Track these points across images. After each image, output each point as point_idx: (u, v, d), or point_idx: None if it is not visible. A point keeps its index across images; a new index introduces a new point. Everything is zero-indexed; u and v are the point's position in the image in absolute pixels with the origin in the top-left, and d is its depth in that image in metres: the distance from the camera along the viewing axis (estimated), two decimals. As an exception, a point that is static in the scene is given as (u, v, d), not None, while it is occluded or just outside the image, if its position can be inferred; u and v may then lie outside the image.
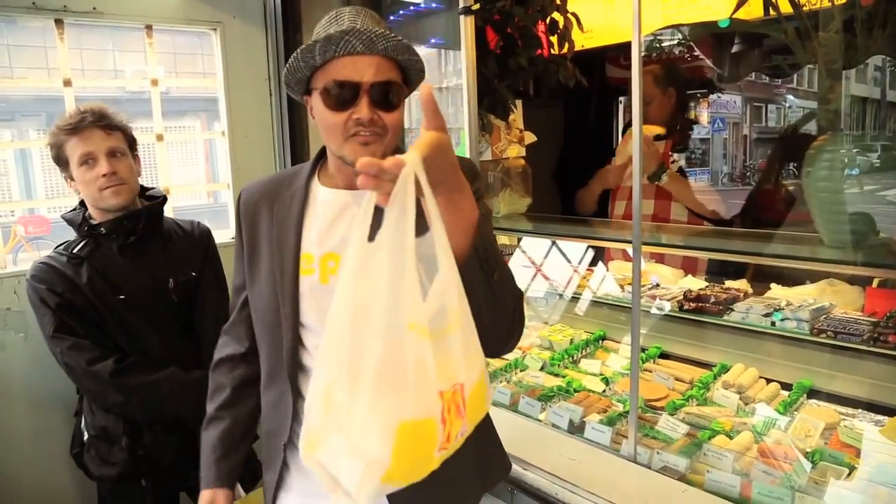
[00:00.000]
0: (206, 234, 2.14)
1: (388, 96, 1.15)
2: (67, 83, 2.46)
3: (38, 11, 2.37)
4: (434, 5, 3.08)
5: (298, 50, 1.13)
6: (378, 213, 0.79)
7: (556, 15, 2.58)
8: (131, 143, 1.95)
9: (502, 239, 2.72)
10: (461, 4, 2.01)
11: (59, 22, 2.43)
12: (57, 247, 1.95)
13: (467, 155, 2.08)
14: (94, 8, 2.48)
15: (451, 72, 3.24)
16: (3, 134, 11.54)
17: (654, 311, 2.13)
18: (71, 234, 1.97)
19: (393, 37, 1.13)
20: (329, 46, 1.11)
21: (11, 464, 2.44)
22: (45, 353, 1.92)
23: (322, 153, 1.32)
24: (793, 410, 1.87)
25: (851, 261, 1.70)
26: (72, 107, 2.30)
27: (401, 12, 3.04)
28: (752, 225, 2.60)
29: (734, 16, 2.30)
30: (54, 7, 2.40)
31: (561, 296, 2.53)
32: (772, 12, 1.92)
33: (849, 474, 1.52)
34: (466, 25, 1.99)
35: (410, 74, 1.21)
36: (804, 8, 1.81)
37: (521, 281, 2.60)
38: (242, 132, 2.77)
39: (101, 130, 1.83)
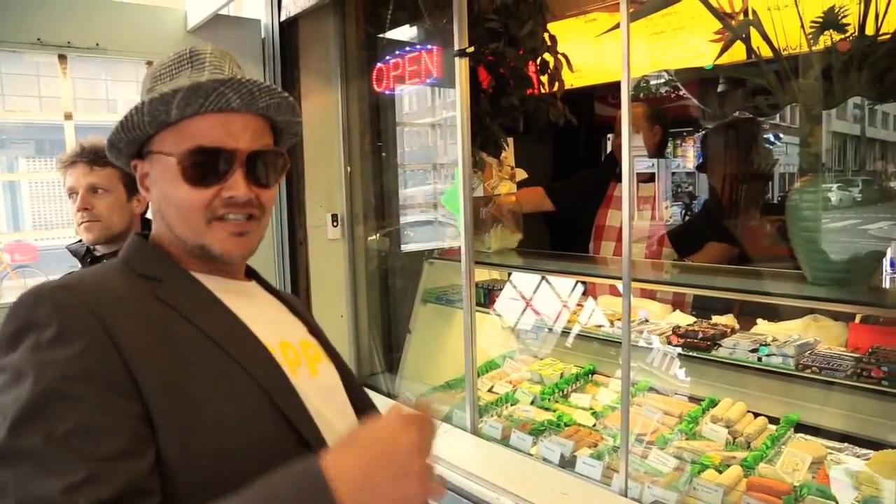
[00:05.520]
0: None
1: (269, 169, 0.91)
2: (69, 117, 2.50)
3: (43, 47, 2.42)
4: (426, 46, 3.15)
5: (143, 101, 0.85)
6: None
7: (546, 56, 2.66)
8: (128, 180, 1.92)
9: (493, 274, 2.75)
10: (456, 46, 2.07)
11: (62, 57, 2.49)
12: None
13: (460, 192, 2.12)
14: (97, 44, 2.53)
15: (442, 105, 3.30)
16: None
17: (651, 347, 2.15)
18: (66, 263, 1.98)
19: (277, 91, 0.91)
20: (194, 98, 0.84)
21: None
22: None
23: (139, 243, 0.94)
24: (780, 444, 1.90)
25: (834, 298, 1.75)
26: (72, 140, 2.33)
27: (387, 57, 3.11)
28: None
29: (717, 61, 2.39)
30: (58, 43, 2.46)
31: (551, 330, 2.55)
32: (753, 56, 2.00)
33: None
34: (461, 67, 2.06)
35: (283, 137, 0.99)
36: (783, 52, 1.89)
37: (512, 315, 2.63)
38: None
39: (86, 166, 1.82)
